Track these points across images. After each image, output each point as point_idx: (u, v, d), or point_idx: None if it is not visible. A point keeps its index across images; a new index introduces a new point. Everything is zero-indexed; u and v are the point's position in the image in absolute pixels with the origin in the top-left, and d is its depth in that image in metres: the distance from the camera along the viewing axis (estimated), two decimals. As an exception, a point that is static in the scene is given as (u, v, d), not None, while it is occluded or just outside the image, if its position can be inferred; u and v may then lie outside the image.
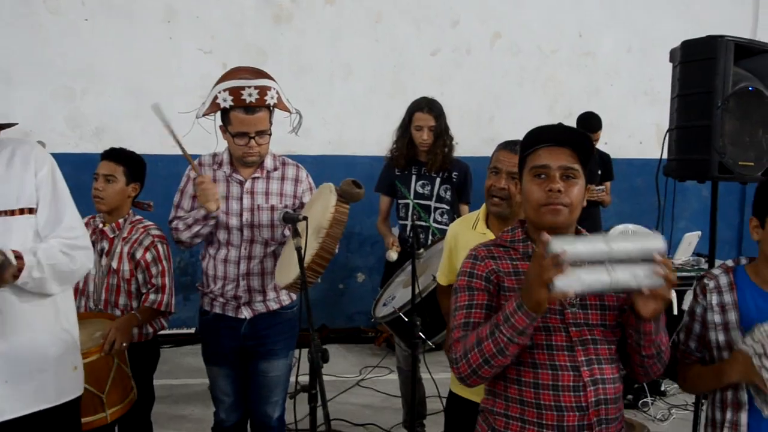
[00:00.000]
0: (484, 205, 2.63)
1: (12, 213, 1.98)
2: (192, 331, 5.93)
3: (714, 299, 1.97)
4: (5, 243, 1.91)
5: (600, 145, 5.62)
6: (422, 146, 3.83)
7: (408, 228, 3.89)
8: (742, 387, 1.89)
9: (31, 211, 2.02)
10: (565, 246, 1.53)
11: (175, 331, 5.97)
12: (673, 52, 3.69)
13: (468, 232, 2.59)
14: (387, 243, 3.90)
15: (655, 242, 1.60)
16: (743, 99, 3.34)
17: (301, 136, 6.02)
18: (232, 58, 5.13)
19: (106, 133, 5.69)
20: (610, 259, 1.56)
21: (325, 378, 5.29)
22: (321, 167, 6.13)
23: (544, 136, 1.82)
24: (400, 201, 3.98)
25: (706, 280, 2.01)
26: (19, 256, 1.89)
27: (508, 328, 1.63)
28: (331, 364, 5.43)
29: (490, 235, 2.48)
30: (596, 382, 1.72)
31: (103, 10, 5.73)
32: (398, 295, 3.34)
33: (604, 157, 5.50)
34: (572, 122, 5.33)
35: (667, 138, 3.79)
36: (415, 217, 3.83)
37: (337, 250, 2.79)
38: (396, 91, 5.96)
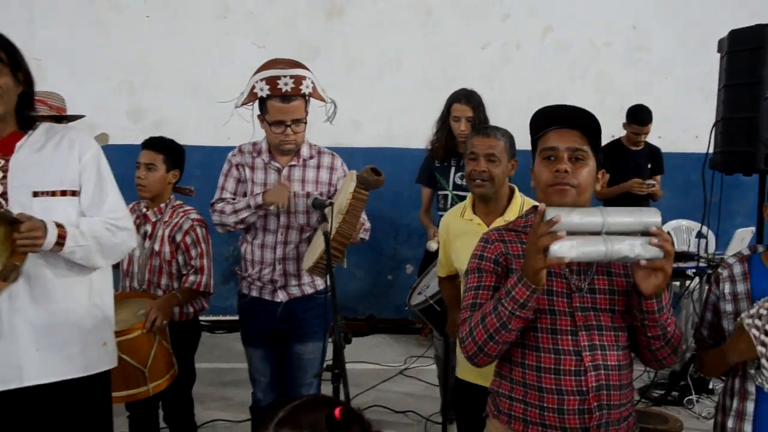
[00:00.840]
0: (470, 194, 2.72)
1: (53, 194, 2.10)
2: (242, 319, 6.11)
3: (727, 288, 1.96)
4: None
5: (653, 139, 5.53)
6: (460, 137, 3.87)
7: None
8: (749, 377, 1.88)
9: (74, 193, 2.14)
10: (561, 214, 1.57)
11: (228, 317, 6.17)
12: (720, 42, 3.62)
13: (457, 221, 2.70)
14: (429, 234, 3.98)
15: (652, 217, 1.62)
16: (792, 90, 3.26)
17: (351, 130, 6.15)
18: (285, 53, 5.25)
19: (165, 125, 5.92)
20: (606, 231, 1.59)
21: (370, 367, 5.43)
22: (371, 160, 6.20)
23: (552, 118, 1.84)
24: (439, 192, 4.03)
25: (720, 269, 2.00)
26: (60, 226, 2.01)
27: (509, 301, 1.67)
28: (377, 354, 5.59)
29: (477, 221, 2.60)
30: (598, 368, 1.74)
31: (162, 8, 5.97)
32: (432, 284, 3.39)
33: (655, 151, 5.40)
34: (623, 118, 5.27)
35: (713, 131, 3.73)
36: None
37: (365, 236, 2.88)
38: (445, 85, 5.95)
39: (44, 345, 2.09)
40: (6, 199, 2.04)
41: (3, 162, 2.07)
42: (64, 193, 2.12)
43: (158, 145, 3.07)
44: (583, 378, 1.73)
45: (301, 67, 2.88)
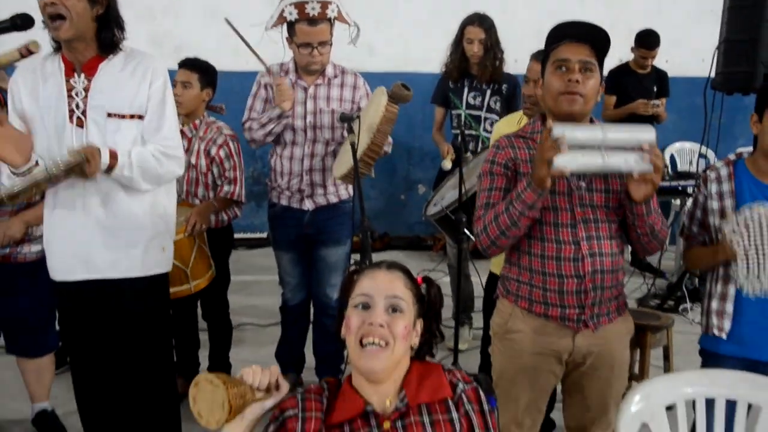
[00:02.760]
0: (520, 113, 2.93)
1: (123, 117, 2.30)
2: (264, 235, 6.43)
3: (713, 188, 2.20)
4: (115, 141, 2.28)
5: (660, 63, 5.66)
6: (473, 59, 4.06)
7: (458, 136, 4.17)
8: (733, 264, 2.14)
9: (140, 117, 2.34)
10: (566, 130, 1.80)
11: (249, 235, 6.49)
12: (727, -37, 3.74)
13: (513, 128, 2.87)
14: (442, 151, 4.21)
15: (647, 134, 1.84)
16: (794, 11, 3.39)
17: (366, 54, 6.28)
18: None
19: (185, 50, 6.06)
20: (605, 145, 1.82)
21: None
22: (385, 83, 6.39)
23: (567, 32, 2.04)
24: (453, 112, 4.25)
25: (708, 172, 2.24)
26: (113, 155, 2.23)
27: (520, 203, 1.93)
28: (392, 269, 5.87)
29: None
30: (594, 255, 2.00)
31: (183, -68, 6.05)
32: (447, 195, 3.65)
33: (661, 75, 5.56)
34: (632, 41, 5.40)
35: (716, 52, 3.90)
36: (465, 126, 4.10)
37: (389, 149, 3.12)
38: (459, 8, 6.09)
39: (111, 244, 2.34)
40: (85, 117, 2.26)
41: (87, 82, 2.27)
42: (132, 116, 2.32)
43: (193, 64, 3.30)
44: (580, 264, 1.99)
45: None
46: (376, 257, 6.48)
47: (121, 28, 2.33)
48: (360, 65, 5.84)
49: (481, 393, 1.52)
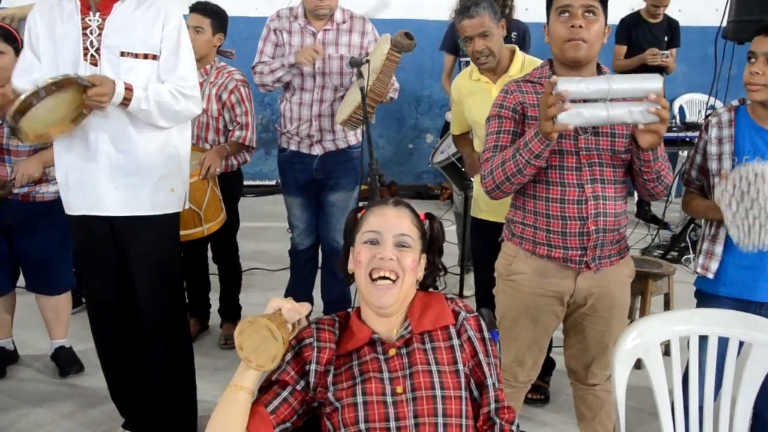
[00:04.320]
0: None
1: (136, 56, 2.32)
2: (273, 183, 6.49)
3: (714, 133, 2.22)
4: (129, 80, 2.29)
5: (673, 12, 5.61)
6: (483, 5, 4.03)
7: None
8: (722, 224, 2.16)
9: (155, 57, 2.36)
10: (570, 86, 1.80)
11: (258, 182, 6.55)
12: None
13: (467, 81, 2.92)
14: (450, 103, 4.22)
15: (653, 83, 1.83)
16: (809, -41, 3.35)
17: (377, 1, 6.22)
18: None
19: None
20: (611, 97, 1.82)
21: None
22: (393, 31, 6.37)
23: None
24: (461, 59, 4.24)
25: (710, 117, 2.26)
26: (129, 88, 2.27)
27: (526, 152, 1.95)
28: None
29: (484, 80, 2.82)
30: (597, 198, 2.03)
31: None
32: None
33: (673, 24, 5.50)
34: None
35: (729, 1, 3.87)
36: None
37: (395, 95, 3.15)
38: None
39: (120, 183, 2.39)
40: (99, 55, 2.29)
41: (101, 21, 2.29)
42: (146, 56, 2.34)
43: (205, 9, 3.30)
44: (584, 206, 2.03)
45: None
46: (384, 205, 6.51)
47: None
48: (370, 13, 5.85)
49: (483, 323, 1.59)
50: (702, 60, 6.33)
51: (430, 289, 1.66)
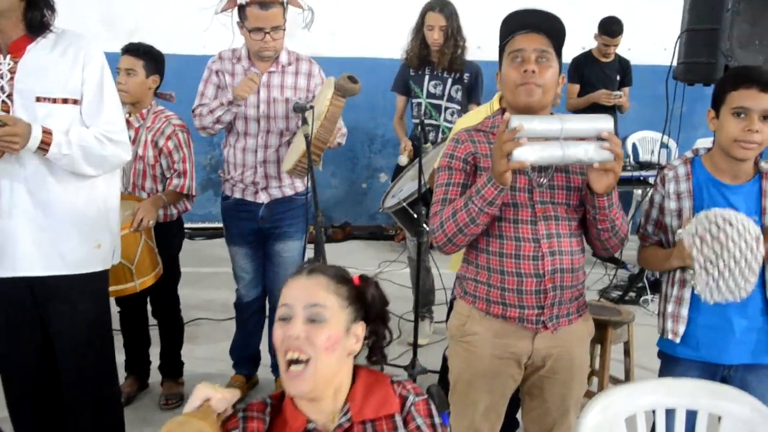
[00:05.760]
0: (488, 104, 2.80)
1: (54, 101, 2.15)
2: (222, 225, 6.27)
3: (671, 188, 2.13)
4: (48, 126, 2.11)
5: (623, 51, 5.63)
6: (434, 46, 3.95)
7: (418, 126, 4.07)
8: (690, 270, 2.06)
9: (75, 102, 2.19)
10: (523, 121, 1.73)
11: (207, 225, 6.34)
12: (690, -49, 3.70)
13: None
14: (401, 147, 4.12)
15: (604, 123, 1.79)
16: (755, 2, 3.35)
17: (328, 39, 6.13)
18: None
19: (139, 33, 5.88)
20: (564, 136, 1.76)
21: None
22: (347, 70, 6.25)
23: (520, 22, 1.96)
24: (413, 100, 4.15)
25: (666, 171, 2.17)
26: (47, 132, 2.09)
27: (479, 199, 1.84)
28: (353, 259, 5.79)
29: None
30: (554, 253, 1.92)
31: None
32: (405, 187, 3.56)
33: (624, 63, 5.53)
34: (596, 28, 5.34)
35: (678, 42, 3.86)
36: (426, 115, 4.01)
37: (342, 140, 3.02)
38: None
39: (39, 240, 2.19)
40: (12, 101, 2.11)
41: (12, 64, 2.11)
42: (65, 101, 2.17)
43: (138, 50, 3.13)
44: (540, 262, 1.92)
45: None
46: (337, 247, 6.42)
47: (52, 8, 2.18)
48: (321, 50, 5.74)
49: (433, 407, 1.43)
50: (653, 98, 6.34)
51: (376, 367, 1.50)
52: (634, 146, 6.55)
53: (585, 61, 5.45)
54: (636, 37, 6.02)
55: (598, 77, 5.40)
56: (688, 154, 2.18)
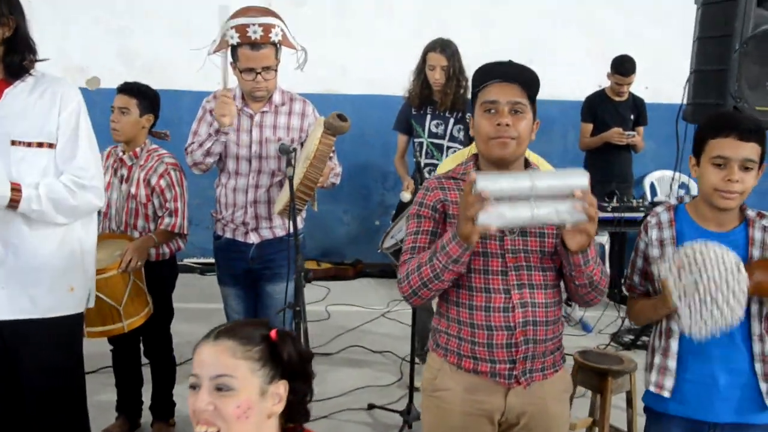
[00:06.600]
0: (470, 147, 2.75)
1: (29, 145, 2.14)
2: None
3: (654, 235, 2.05)
4: (19, 171, 2.11)
5: (639, 90, 5.55)
6: (435, 86, 3.93)
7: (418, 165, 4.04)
8: (673, 317, 1.99)
9: (51, 146, 2.18)
10: (489, 183, 1.63)
11: (203, 260, 6.31)
12: (697, -6, 3.64)
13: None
14: (403, 184, 4.09)
15: (579, 179, 1.68)
16: (764, 42, 3.28)
17: (340, 76, 6.15)
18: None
19: (156, 69, 5.96)
20: (534, 195, 1.65)
21: (354, 309, 5.54)
22: (359, 107, 6.26)
23: (493, 73, 1.91)
24: (415, 140, 4.11)
25: (649, 218, 2.10)
26: (16, 188, 2.07)
27: (444, 256, 1.77)
28: (362, 297, 5.72)
29: None
30: (525, 305, 1.85)
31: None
32: (405, 228, 3.50)
33: (638, 102, 5.44)
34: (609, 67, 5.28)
35: (687, 83, 3.78)
36: (427, 155, 3.97)
37: (336, 180, 3.00)
38: (437, 29, 5.99)
39: (10, 283, 2.16)
40: None
41: None
42: (40, 144, 2.15)
43: (131, 89, 3.15)
44: (510, 314, 1.84)
45: (272, 15, 2.93)
46: (347, 285, 6.33)
47: (32, 51, 2.19)
48: (335, 88, 5.76)
49: None
50: (670, 136, 6.18)
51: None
52: (652, 185, 6.42)
53: (598, 100, 5.37)
54: (653, 75, 5.93)
55: (611, 116, 5.32)
56: (672, 201, 2.10)
